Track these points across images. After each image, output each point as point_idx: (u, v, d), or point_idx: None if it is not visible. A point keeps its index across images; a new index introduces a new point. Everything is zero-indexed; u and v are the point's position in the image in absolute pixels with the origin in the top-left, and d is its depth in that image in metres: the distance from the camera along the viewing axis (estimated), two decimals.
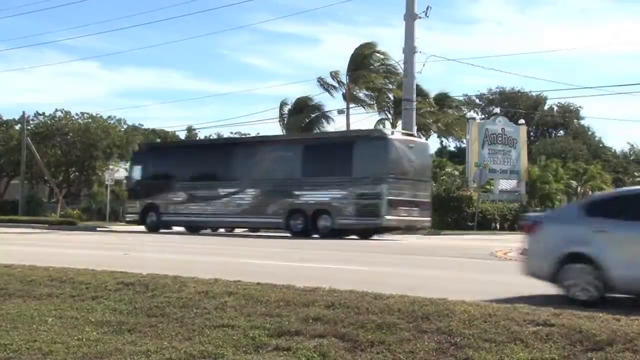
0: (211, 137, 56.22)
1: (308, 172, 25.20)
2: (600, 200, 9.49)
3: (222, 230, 28.93)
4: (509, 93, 71.77)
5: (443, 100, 54.77)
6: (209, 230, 28.51)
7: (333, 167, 24.90)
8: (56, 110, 53.31)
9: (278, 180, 25.62)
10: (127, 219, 30.61)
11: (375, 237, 25.13)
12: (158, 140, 55.32)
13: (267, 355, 5.58)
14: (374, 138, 24.90)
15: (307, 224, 24.68)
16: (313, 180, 25.07)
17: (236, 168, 27.33)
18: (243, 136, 49.34)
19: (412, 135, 27.67)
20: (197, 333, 6.19)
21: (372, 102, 52.85)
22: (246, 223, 27.08)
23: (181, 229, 28.74)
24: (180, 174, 28.34)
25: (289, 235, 24.89)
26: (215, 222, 27.75)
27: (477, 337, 5.66)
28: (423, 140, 28.17)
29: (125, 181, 35.92)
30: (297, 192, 25.18)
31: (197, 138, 47.96)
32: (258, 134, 65.95)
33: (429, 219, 25.66)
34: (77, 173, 49.08)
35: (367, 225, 24.20)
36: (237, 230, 28.95)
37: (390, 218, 23.53)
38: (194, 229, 28.19)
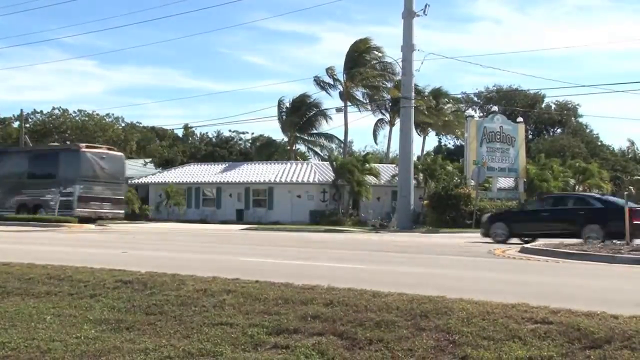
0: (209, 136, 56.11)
1: (31, 175, 33.94)
2: None
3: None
4: (506, 91, 71.70)
5: (438, 96, 54.69)
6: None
7: (47, 172, 33.45)
8: (54, 108, 53.25)
9: (13, 181, 33.75)
10: None
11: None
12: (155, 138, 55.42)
13: (266, 353, 5.58)
14: (71, 150, 33.93)
15: None
16: (34, 182, 33.49)
17: None
18: None
19: (110, 148, 36.37)
20: (196, 331, 6.19)
21: (366, 102, 52.82)
22: None
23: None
24: None
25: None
26: None
27: (475, 334, 5.66)
28: (117, 152, 36.12)
29: None
30: (24, 191, 33.39)
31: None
32: (253, 133, 66.12)
33: (122, 211, 34.58)
34: None
35: (66, 216, 31.01)
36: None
37: (81, 210, 31.71)
38: None
